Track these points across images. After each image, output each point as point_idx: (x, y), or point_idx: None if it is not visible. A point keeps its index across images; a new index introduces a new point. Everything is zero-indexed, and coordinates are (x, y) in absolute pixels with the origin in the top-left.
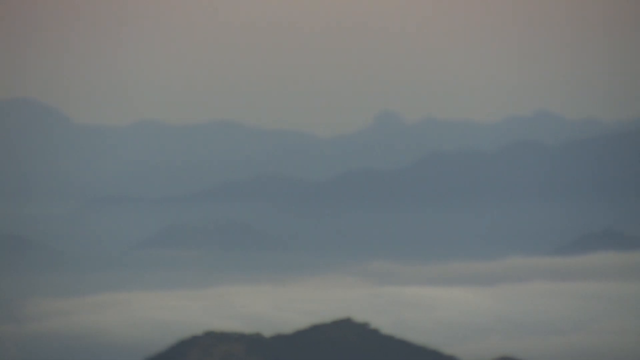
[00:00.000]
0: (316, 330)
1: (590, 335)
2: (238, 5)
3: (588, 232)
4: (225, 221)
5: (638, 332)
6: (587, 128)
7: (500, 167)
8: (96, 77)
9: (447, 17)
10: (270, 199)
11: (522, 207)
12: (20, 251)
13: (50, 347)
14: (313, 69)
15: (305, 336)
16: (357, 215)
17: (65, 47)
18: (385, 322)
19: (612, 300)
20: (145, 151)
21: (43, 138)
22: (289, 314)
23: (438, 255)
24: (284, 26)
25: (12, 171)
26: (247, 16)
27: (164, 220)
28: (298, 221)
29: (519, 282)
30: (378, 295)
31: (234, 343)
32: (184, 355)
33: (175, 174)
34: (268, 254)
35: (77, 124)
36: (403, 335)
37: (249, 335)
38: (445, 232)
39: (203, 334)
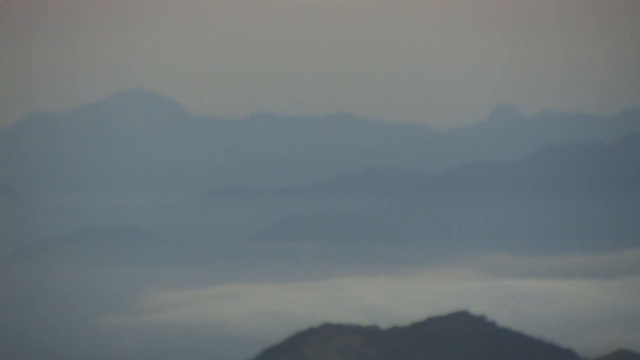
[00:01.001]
0: (432, 323)
1: None
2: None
3: None
4: (342, 213)
5: None
6: None
7: (616, 159)
8: (212, 70)
9: (557, 9)
10: (386, 191)
11: None
12: (139, 243)
13: (168, 339)
14: (431, 62)
15: (421, 328)
16: (473, 207)
17: (182, 39)
18: (501, 314)
19: None
20: (261, 143)
21: (161, 130)
22: (405, 306)
23: (555, 247)
24: (401, 19)
25: (130, 163)
26: (366, 10)
27: (280, 213)
28: (414, 214)
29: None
30: (494, 287)
31: (350, 335)
32: (301, 347)
33: (292, 166)
34: (384, 246)
35: (194, 116)
36: (519, 328)
37: (365, 328)
38: (563, 224)
39: (320, 326)
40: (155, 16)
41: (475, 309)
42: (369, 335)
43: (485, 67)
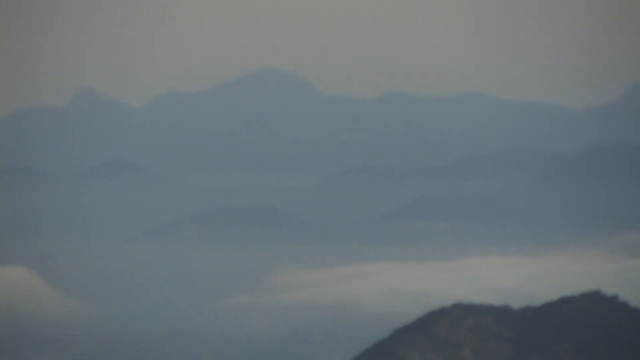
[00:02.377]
0: (565, 303)
1: None
2: None
3: None
4: (473, 193)
5: None
6: None
7: None
8: (343, 48)
9: None
10: (518, 171)
11: None
12: (271, 222)
13: (299, 319)
14: (564, 42)
15: (554, 309)
16: (605, 187)
17: (314, 17)
18: (634, 295)
19: None
20: (393, 123)
21: (293, 109)
22: (537, 286)
23: None
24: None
25: (262, 142)
26: None
27: (412, 192)
28: (547, 193)
29: None
30: (627, 268)
31: (482, 315)
32: (432, 327)
33: (423, 145)
34: (515, 226)
35: (325, 95)
36: None
37: (497, 308)
38: None
39: (451, 306)
40: None
41: (607, 290)
42: (500, 315)
43: (618, 45)
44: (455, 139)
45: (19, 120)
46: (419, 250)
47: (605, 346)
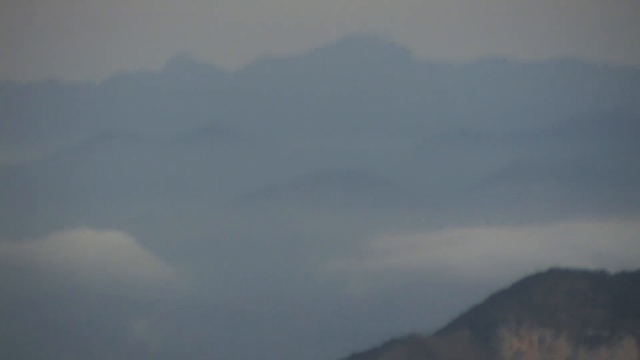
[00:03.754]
0: None
1: None
2: None
3: None
4: (570, 157)
5: None
6: None
7: None
8: (436, 11)
9: None
10: (616, 134)
11: None
12: (367, 186)
13: (395, 283)
14: None
15: None
16: None
17: None
18: None
19: None
20: (489, 87)
21: (387, 75)
22: (635, 251)
23: None
24: None
25: (358, 107)
26: None
27: (507, 156)
28: None
29: None
30: None
31: (578, 280)
32: (528, 292)
33: (519, 109)
34: (614, 190)
35: (419, 60)
36: None
37: (593, 272)
38: None
39: (547, 270)
40: None
41: None
42: (597, 279)
43: None
44: (551, 103)
45: (115, 85)
46: (515, 214)
47: None
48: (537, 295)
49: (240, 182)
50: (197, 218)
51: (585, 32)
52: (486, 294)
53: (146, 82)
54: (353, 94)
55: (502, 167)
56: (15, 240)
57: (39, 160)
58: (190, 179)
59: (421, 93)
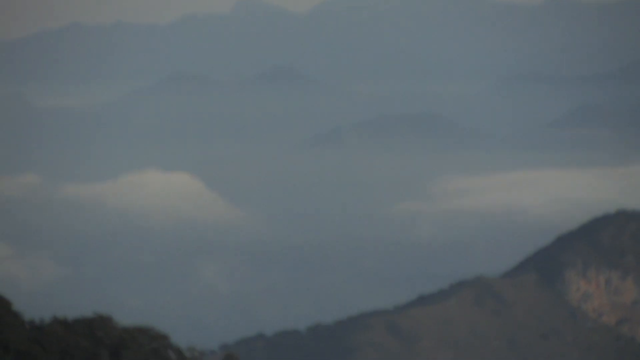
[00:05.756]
0: None
1: None
2: None
3: None
4: (636, 101)
5: None
6: None
7: None
8: None
9: None
10: None
11: None
12: (435, 129)
13: (462, 225)
14: None
15: None
16: None
17: None
18: None
19: None
20: (557, 31)
21: (457, 17)
22: None
23: None
24: None
25: (425, 48)
26: None
27: (577, 99)
28: None
29: None
30: None
31: None
32: (595, 234)
33: (586, 53)
34: None
35: (490, 2)
36: None
37: None
38: None
39: (615, 213)
40: None
41: None
42: None
43: None
44: (618, 45)
45: (184, 27)
46: (584, 157)
47: None
48: (605, 238)
49: (308, 125)
50: (265, 160)
51: None
52: (553, 236)
53: (215, 25)
54: (422, 36)
55: (571, 110)
56: (86, 183)
57: (108, 103)
58: (258, 121)
59: (491, 36)
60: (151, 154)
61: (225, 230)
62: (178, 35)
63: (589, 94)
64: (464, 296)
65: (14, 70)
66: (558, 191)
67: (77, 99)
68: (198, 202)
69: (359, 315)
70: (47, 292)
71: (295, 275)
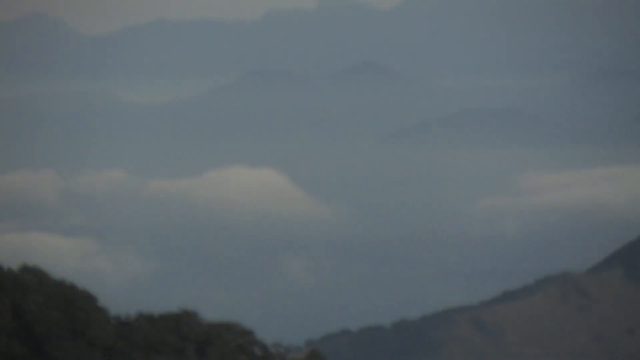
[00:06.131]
0: None
1: None
2: None
3: None
4: None
5: None
6: None
7: None
8: None
9: None
10: None
11: None
12: (517, 125)
13: (549, 221)
14: None
15: None
16: None
17: None
18: None
19: None
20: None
21: (547, 15)
22: None
23: None
24: None
25: (507, 43)
26: None
27: None
28: None
29: None
30: None
31: None
32: None
33: None
34: None
35: None
36: None
37: None
38: None
39: None
40: None
41: None
42: None
43: None
44: None
45: (269, 23)
46: None
47: None
48: None
49: (392, 120)
50: (350, 155)
51: None
52: (638, 232)
53: (299, 20)
54: (506, 32)
55: None
56: (172, 178)
57: (193, 98)
58: (343, 116)
59: (571, 30)
60: (236, 149)
61: (310, 226)
62: (263, 30)
63: None
64: (550, 292)
65: (101, 66)
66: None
67: (163, 95)
68: (283, 198)
69: (444, 310)
70: (132, 287)
71: (380, 270)
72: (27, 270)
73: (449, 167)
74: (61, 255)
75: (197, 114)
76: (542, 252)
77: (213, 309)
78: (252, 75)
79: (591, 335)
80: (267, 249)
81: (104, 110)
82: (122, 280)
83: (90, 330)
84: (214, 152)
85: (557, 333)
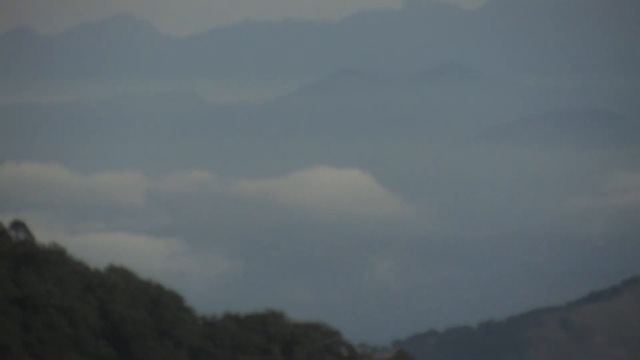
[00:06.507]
0: None
1: None
2: None
3: None
4: None
5: None
6: None
7: None
8: None
9: None
10: None
11: None
12: (605, 124)
13: (634, 221)
14: None
15: None
16: None
17: None
18: None
19: None
20: None
21: (634, 13)
22: None
23: None
24: None
25: (599, 45)
26: None
27: None
28: None
29: None
30: None
31: None
32: None
33: None
34: None
35: None
36: None
37: None
38: None
39: None
40: None
41: None
42: None
43: None
44: None
45: (355, 23)
46: None
47: None
48: None
49: (477, 120)
50: (434, 156)
51: None
52: None
53: (385, 21)
54: (591, 31)
55: None
56: (257, 179)
57: (278, 98)
58: (428, 116)
59: None
60: (322, 150)
61: (395, 226)
62: (348, 31)
63: None
64: (637, 292)
65: (187, 66)
66: None
67: (248, 95)
68: (368, 198)
69: (531, 311)
70: (219, 288)
71: (467, 271)
72: (113, 270)
73: (534, 167)
74: (147, 255)
75: (282, 115)
76: (629, 252)
77: (299, 309)
78: (338, 75)
79: None
80: (352, 249)
81: (191, 110)
82: (208, 280)
83: (176, 330)
84: (299, 153)
85: None
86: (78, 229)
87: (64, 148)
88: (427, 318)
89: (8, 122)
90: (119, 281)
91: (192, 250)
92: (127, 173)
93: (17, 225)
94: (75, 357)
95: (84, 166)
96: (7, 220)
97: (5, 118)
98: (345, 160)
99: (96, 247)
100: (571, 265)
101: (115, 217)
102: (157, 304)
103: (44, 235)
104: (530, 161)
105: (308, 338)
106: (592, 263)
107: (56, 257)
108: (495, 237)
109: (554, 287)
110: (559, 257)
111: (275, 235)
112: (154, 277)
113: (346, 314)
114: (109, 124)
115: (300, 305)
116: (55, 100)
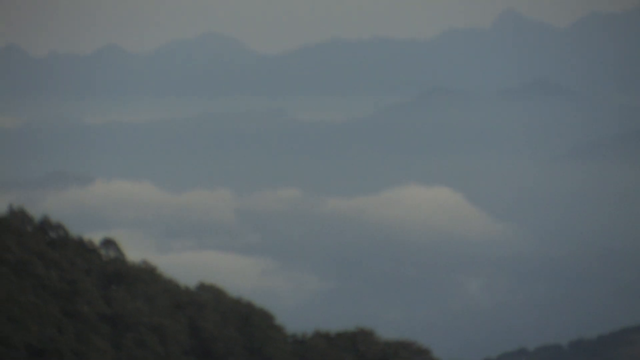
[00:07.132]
0: None
1: None
2: None
3: None
4: None
5: None
6: None
7: None
8: None
9: None
10: None
11: None
12: None
13: None
14: None
15: None
16: None
17: None
18: None
19: None
20: None
21: None
22: None
23: None
24: None
25: None
26: None
27: None
28: None
29: None
30: None
31: None
32: None
33: None
34: None
35: None
36: None
37: None
38: None
39: None
40: None
41: None
42: None
43: None
44: None
45: (445, 42)
46: None
47: None
48: None
49: (566, 138)
50: (524, 173)
51: None
52: None
53: (475, 39)
54: None
55: None
56: (347, 197)
57: (367, 116)
58: (517, 134)
59: None
60: (412, 168)
61: (485, 244)
62: (438, 49)
63: None
64: None
65: (277, 84)
66: None
67: (337, 113)
68: (459, 216)
69: (622, 330)
70: (309, 306)
71: (557, 289)
72: (203, 288)
73: (625, 185)
74: (237, 273)
75: (372, 133)
76: None
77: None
78: (427, 93)
79: None
80: (443, 268)
81: (280, 128)
82: (298, 298)
83: (266, 348)
84: (389, 171)
85: None
86: (168, 247)
87: (154, 166)
88: (518, 336)
89: (99, 141)
90: (209, 299)
91: (281, 268)
92: (216, 191)
93: (108, 243)
94: None
95: (174, 184)
96: (97, 237)
97: (96, 136)
98: (434, 178)
99: (186, 265)
100: None
101: (205, 235)
102: (247, 322)
103: (134, 253)
104: (622, 179)
105: (398, 356)
106: None
107: (146, 275)
108: (585, 255)
109: None
110: None
111: (365, 253)
112: (244, 295)
113: (436, 332)
114: (199, 141)
115: (390, 324)
116: (145, 118)
